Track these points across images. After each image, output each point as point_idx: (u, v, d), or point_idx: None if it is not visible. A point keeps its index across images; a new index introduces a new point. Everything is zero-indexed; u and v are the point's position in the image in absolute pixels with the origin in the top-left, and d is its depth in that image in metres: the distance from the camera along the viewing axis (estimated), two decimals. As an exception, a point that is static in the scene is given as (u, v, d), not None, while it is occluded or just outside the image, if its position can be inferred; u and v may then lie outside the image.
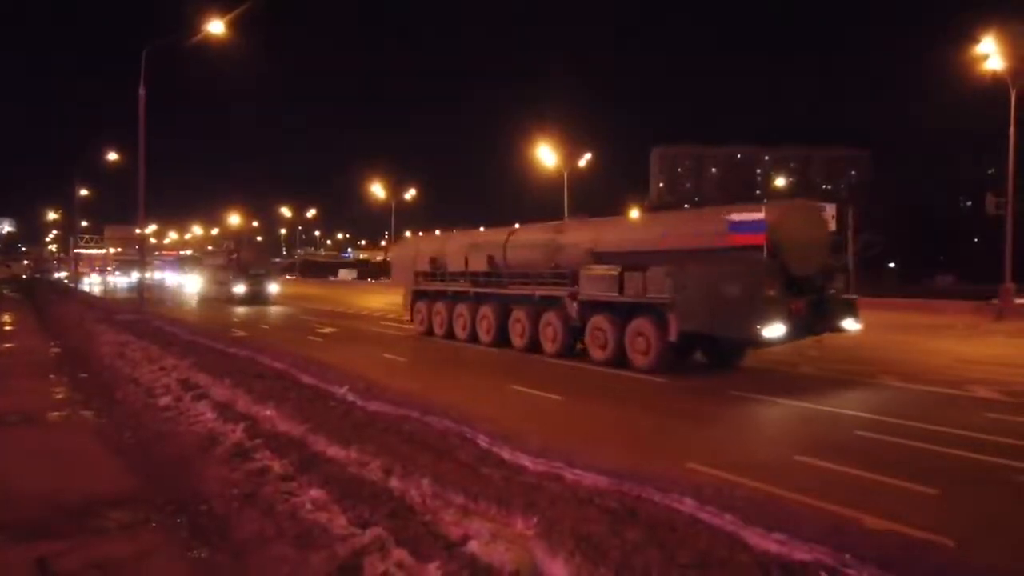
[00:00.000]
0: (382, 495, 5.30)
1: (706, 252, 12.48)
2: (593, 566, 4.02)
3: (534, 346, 16.16)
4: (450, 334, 18.97)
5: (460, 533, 4.55)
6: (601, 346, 14.14)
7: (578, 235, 16.11)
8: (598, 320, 14.27)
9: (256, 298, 37.86)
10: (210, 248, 75.81)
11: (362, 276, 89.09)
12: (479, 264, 18.04)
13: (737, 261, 11.74)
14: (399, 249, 24.54)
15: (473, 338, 18.09)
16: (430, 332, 19.94)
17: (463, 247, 19.01)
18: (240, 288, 38.12)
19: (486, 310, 17.65)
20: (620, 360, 13.74)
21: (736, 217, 11.93)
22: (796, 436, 8.65)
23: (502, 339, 17.16)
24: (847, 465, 7.02)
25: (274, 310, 33.51)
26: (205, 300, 42.39)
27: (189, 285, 55.20)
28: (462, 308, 18.57)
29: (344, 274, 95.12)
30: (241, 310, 33.34)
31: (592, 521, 4.59)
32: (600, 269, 14.33)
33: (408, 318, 21.37)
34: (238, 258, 40.23)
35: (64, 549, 4.70)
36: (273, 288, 40.18)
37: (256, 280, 38.76)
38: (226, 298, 38.77)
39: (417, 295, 20.89)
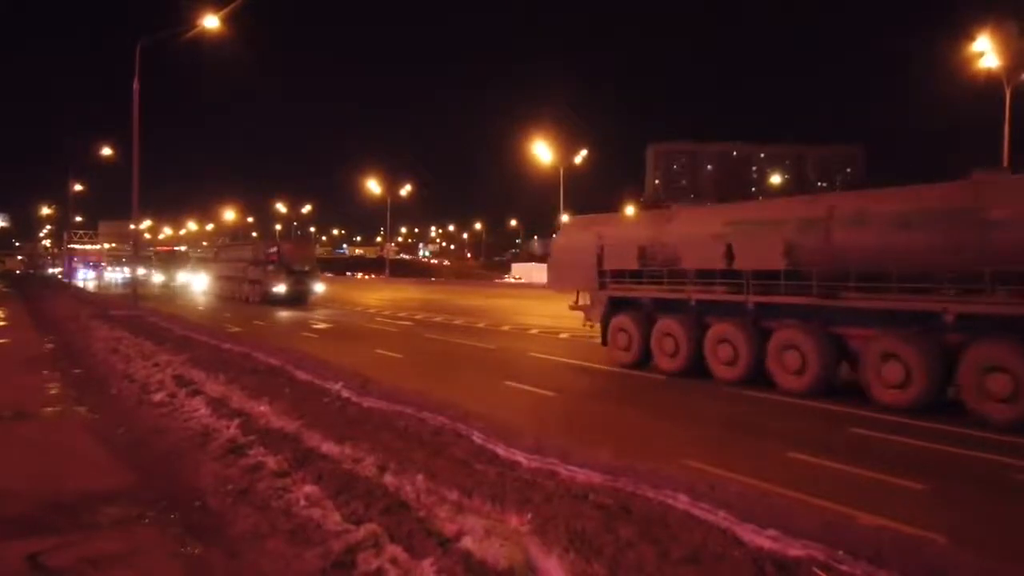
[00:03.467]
0: (376, 491, 5.29)
1: None
2: (587, 562, 4.02)
3: (933, 401, 9.50)
4: (696, 368, 12.40)
5: (454, 529, 4.55)
6: None
7: None
8: None
9: (299, 299, 33.62)
10: (226, 240, 73.62)
11: None
12: (765, 258, 11.31)
13: None
14: (568, 235, 16.22)
15: (754, 379, 11.56)
16: (644, 360, 13.47)
17: (718, 230, 12.23)
18: (280, 287, 33.52)
19: (796, 335, 10.96)
20: None
21: None
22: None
23: (829, 386, 10.73)
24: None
25: (272, 308, 33.12)
26: (222, 301, 38.16)
27: (196, 284, 51.85)
28: (728, 329, 11.91)
29: None
30: (254, 310, 31.33)
31: (586, 517, 4.59)
32: None
33: (604, 341, 14.55)
34: (279, 252, 35.00)
35: (57, 545, 4.68)
36: (319, 288, 35.61)
37: (300, 279, 34.20)
38: (259, 299, 34.38)
39: (617, 306, 14.17)
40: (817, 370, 10.63)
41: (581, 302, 15.41)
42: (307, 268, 35.48)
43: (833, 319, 10.79)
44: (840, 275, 10.56)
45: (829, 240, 10.78)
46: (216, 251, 51.91)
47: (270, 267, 34.54)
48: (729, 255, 11.85)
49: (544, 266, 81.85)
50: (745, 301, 11.70)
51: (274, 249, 35.60)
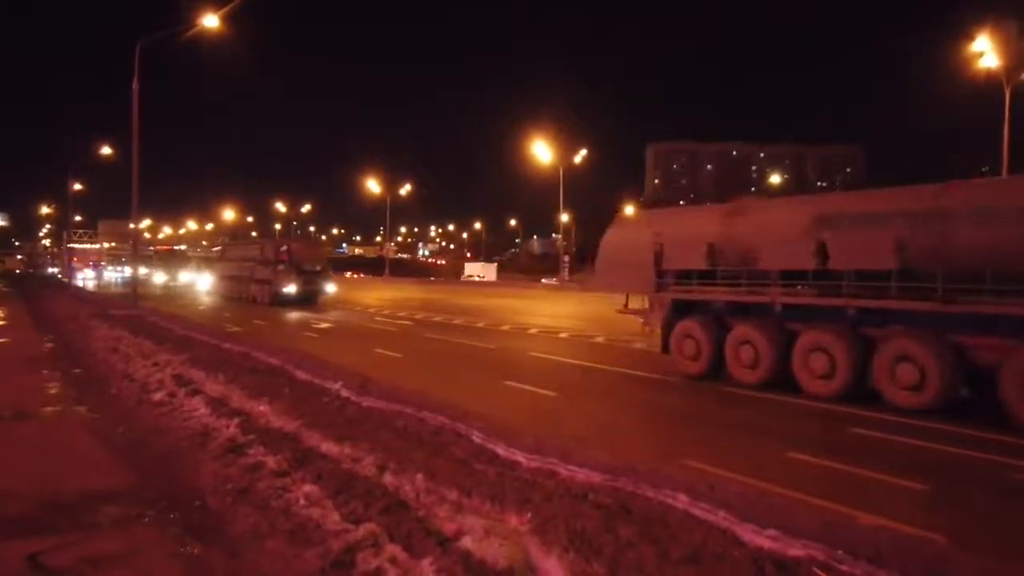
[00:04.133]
0: (376, 491, 5.29)
1: None
2: (587, 562, 4.02)
3: None
4: (780, 381, 11.06)
5: (454, 529, 4.55)
6: None
7: None
8: None
9: (310, 299, 33.09)
10: (227, 240, 73.22)
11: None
12: (870, 257, 10.14)
13: None
14: (619, 232, 14.62)
15: (855, 394, 10.17)
16: (715, 371, 12.05)
17: (805, 226, 10.89)
18: (291, 288, 32.74)
19: (908, 345, 9.62)
20: None
21: None
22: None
23: (952, 403, 9.38)
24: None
25: (275, 308, 33.04)
26: (226, 301, 37.48)
27: (199, 284, 50.83)
28: (823, 337, 10.51)
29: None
30: (256, 310, 31.14)
31: (586, 517, 4.59)
32: None
33: (664, 348, 13.13)
34: (288, 251, 34.13)
35: (56, 545, 4.68)
36: (330, 288, 34.76)
37: (310, 279, 33.50)
38: (268, 299, 33.58)
39: (681, 310, 12.79)
40: (939, 385, 9.26)
41: (633, 305, 14.12)
42: (318, 268, 34.72)
43: (955, 327, 9.36)
44: (968, 276, 9.26)
45: (953, 236, 9.33)
46: (221, 250, 50.06)
47: (280, 267, 33.61)
48: (822, 254, 10.58)
49: (493, 266, 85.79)
50: (844, 306, 10.41)
51: (284, 248, 34.75)
